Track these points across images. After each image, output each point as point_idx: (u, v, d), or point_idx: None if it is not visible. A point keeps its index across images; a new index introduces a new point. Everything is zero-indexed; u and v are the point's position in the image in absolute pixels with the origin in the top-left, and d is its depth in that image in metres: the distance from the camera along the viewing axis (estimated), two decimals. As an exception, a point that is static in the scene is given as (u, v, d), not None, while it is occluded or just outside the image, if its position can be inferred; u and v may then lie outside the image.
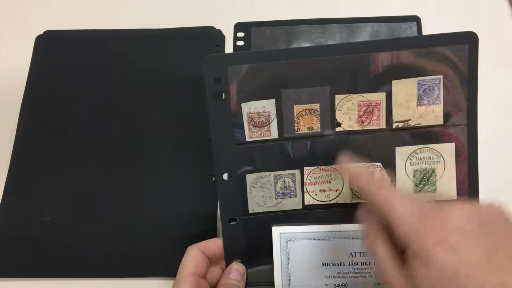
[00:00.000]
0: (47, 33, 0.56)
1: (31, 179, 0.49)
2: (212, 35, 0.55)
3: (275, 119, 0.39)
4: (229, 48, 0.55)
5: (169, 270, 0.44)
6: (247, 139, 0.39)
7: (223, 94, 0.39)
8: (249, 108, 0.39)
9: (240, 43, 0.54)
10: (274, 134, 0.39)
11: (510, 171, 0.48)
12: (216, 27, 0.55)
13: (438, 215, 0.28)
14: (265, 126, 0.39)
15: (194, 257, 0.39)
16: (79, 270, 0.45)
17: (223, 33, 0.55)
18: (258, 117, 0.39)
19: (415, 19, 0.54)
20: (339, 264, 0.40)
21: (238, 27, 0.55)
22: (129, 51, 0.54)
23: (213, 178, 0.47)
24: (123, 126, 0.50)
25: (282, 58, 0.38)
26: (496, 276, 0.26)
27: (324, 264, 0.40)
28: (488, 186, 0.42)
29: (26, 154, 0.50)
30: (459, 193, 0.40)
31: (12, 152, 0.50)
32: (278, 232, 0.40)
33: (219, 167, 0.40)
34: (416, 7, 0.55)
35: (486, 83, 0.51)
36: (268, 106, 0.39)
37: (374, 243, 0.32)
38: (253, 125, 0.39)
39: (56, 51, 0.55)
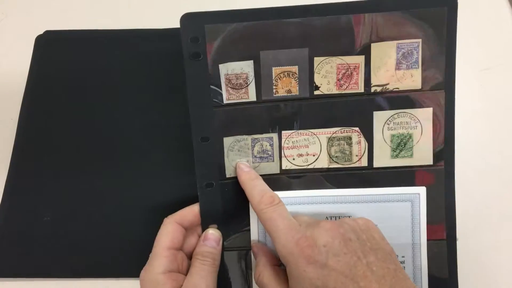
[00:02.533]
0: (47, 33, 0.56)
1: (31, 179, 0.49)
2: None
3: (253, 81, 0.39)
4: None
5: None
6: (225, 102, 0.39)
7: (201, 55, 0.38)
8: (227, 69, 0.38)
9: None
10: (252, 97, 0.39)
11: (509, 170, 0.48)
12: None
13: (308, 238, 0.33)
14: (243, 88, 0.39)
15: (170, 230, 0.39)
16: (79, 270, 0.45)
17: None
18: (236, 79, 0.38)
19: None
20: None
21: None
22: (129, 51, 0.54)
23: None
24: (123, 126, 0.50)
25: (260, 18, 0.37)
26: (358, 285, 0.31)
27: None
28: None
29: (26, 154, 0.50)
30: (435, 158, 0.40)
31: (12, 152, 0.50)
32: None
33: (196, 130, 0.39)
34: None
35: (485, 82, 0.52)
36: (246, 67, 0.38)
37: (262, 275, 0.36)
38: (231, 87, 0.39)
39: (56, 51, 0.54)
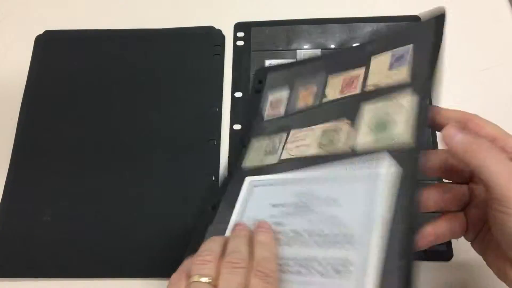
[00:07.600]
0: (47, 33, 0.56)
1: (31, 179, 0.49)
2: (212, 35, 0.55)
3: (286, 102, 0.49)
4: (229, 48, 0.56)
5: (169, 271, 0.38)
6: (265, 119, 0.49)
7: (261, 91, 0.52)
8: (273, 96, 0.51)
9: (240, 43, 0.55)
10: (282, 113, 0.48)
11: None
12: (216, 27, 0.56)
13: None
14: (279, 107, 0.49)
15: None
16: (79, 270, 0.45)
17: (223, 33, 0.56)
18: (276, 102, 0.50)
19: (415, 19, 0.53)
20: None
21: (238, 27, 0.56)
22: (129, 51, 0.54)
23: (214, 178, 0.48)
24: (123, 126, 0.50)
25: (302, 63, 0.51)
26: None
27: (274, 205, 0.40)
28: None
29: (26, 154, 0.50)
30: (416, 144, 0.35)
31: (12, 152, 0.50)
32: (248, 180, 0.44)
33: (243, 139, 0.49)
34: (416, 6, 0.51)
35: (485, 82, 0.52)
36: (284, 94, 0.49)
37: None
38: (271, 108, 0.50)
39: (56, 51, 0.55)
